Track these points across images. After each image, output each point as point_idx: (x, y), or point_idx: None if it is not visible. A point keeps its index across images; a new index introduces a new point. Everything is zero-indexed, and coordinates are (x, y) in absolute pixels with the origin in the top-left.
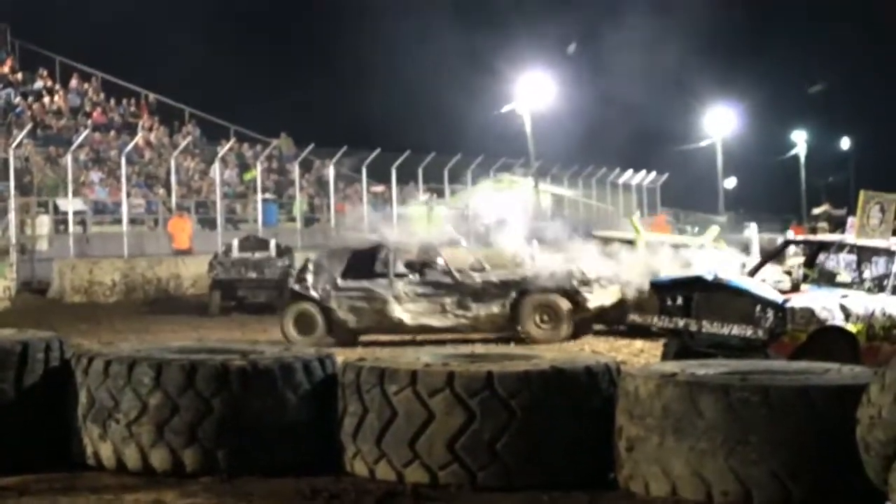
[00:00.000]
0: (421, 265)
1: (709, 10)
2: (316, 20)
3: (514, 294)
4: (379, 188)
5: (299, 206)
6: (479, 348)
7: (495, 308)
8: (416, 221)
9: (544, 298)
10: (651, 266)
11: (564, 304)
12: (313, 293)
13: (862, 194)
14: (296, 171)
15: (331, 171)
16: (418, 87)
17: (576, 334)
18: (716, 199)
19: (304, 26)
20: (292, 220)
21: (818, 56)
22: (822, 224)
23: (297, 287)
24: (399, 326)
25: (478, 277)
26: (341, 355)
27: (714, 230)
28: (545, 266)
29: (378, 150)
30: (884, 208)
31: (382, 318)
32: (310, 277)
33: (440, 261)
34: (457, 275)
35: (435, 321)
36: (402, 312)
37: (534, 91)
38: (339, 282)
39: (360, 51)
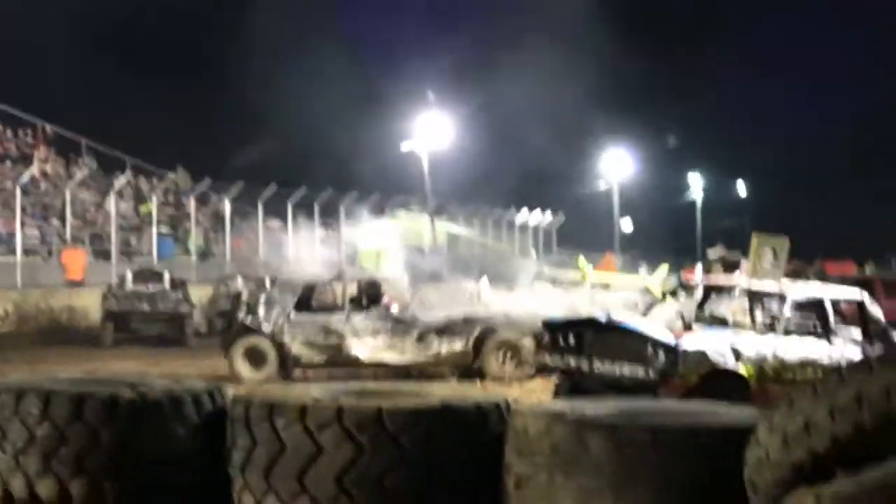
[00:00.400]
0: (372, 300)
1: (609, 53)
2: (214, 55)
3: (477, 332)
4: (275, 223)
5: (194, 240)
6: (371, 385)
7: (457, 345)
8: (366, 258)
9: (509, 337)
10: (601, 305)
11: (529, 344)
12: (265, 326)
13: (755, 237)
14: (192, 204)
15: (227, 206)
16: (316, 124)
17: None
18: (611, 241)
19: (202, 60)
20: (187, 253)
21: (716, 101)
22: (717, 266)
23: (247, 320)
24: (355, 362)
25: (440, 314)
26: (233, 389)
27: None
28: (497, 304)
29: (275, 186)
30: (776, 252)
31: (337, 354)
32: (261, 310)
33: (392, 296)
34: (416, 311)
35: (393, 357)
36: (358, 348)
37: (432, 130)
38: (293, 315)
39: (258, 86)
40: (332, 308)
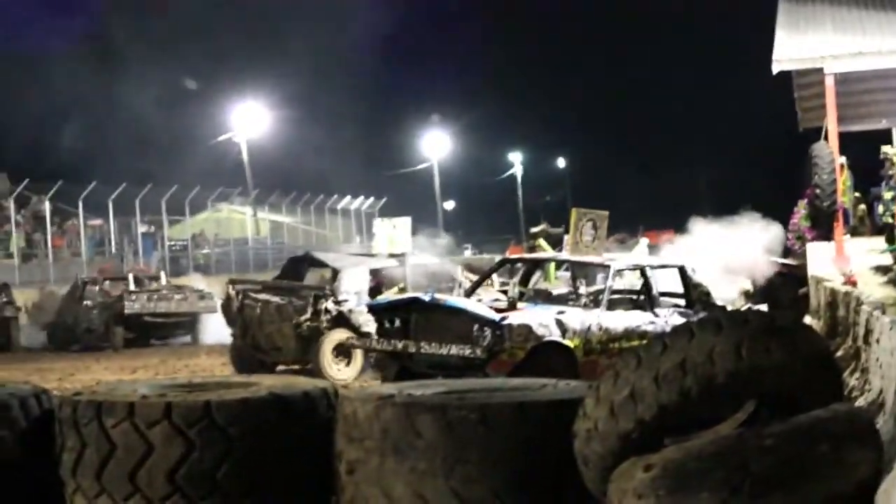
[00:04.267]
0: None
1: (426, 34)
2: (25, 53)
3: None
4: (96, 222)
5: (15, 242)
6: (199, 377)
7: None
8: None
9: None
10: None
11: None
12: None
13: (574, 212)
14: (11, 206)
15: (47, 206)
16: (133, 119)
17: None
18: (435, 222)
19: (13, 59)
20: (9, 256)
21: (536, 79)
22: (541, 242)
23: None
24: None
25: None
26: (57, 390)
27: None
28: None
29: (94, 184)
30: (596, 225)
31: None
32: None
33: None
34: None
35: None
36: None
37: (249, 120)
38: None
39: (74, 82)
40: None
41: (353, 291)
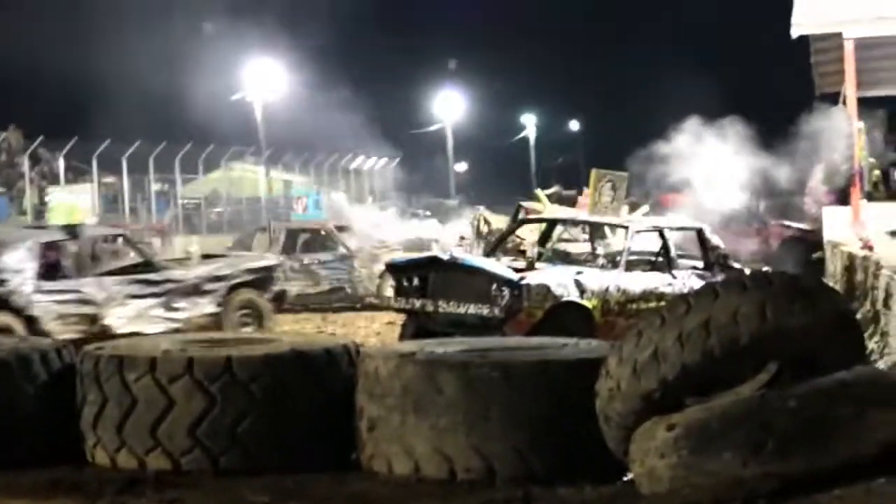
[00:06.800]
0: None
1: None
2: (35, 9)
3: (224, 290)
4: (110, 179)
5: (30, 199)
6: (220, 333)
7: (207, 307)
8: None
9: (250, 297)
10: None
11: (263, 303)
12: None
13: (593, 173)
14: (25, 163)
15: (61, 164)
16: (146, 76)
17: None
18: (447, 183)
19: (25, 16)
20: (23, 213)
21: (544, 41)
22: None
23: None
24: (111, 335)
25: (190, 273)
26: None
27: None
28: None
29: (108, 141)
30: (615, 186)
31: (91, 326)
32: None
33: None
34: (162, 270)
35: (146, 327)
36: (113, 319)
37: (263, 78)
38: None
39: (85, 39)
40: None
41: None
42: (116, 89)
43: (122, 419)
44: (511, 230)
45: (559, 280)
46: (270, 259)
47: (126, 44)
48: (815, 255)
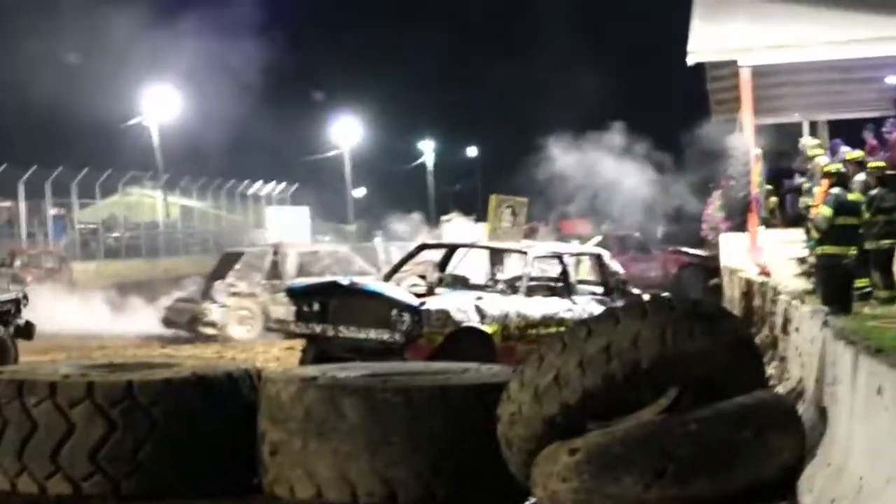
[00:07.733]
0: None
1: (335, 23)
2: None
3: None
4: (6, 204)
5: None
6: (121, 357)
7: None
8: None
9: None
10: None
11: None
12: None
13: (493, 198)
14: None
15: None
16: (43, 100)
17: None
18: (346, 208)
19: None
20: None
21: (442, 67)
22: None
23: None
24: None
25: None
26: None
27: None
28: None
29: (4, 165)
30: (515, 211)
31: None
32: None
33: None
34: None
35: None
36: None
37: (160, 103)
38: None
39: None
40: None
41: None
42: (12, 113)
43: (21, 444)
44: (410, 255)
45: (459, 305)
46: (11, 293)
47: (22, 68)
48: (713, 282)
